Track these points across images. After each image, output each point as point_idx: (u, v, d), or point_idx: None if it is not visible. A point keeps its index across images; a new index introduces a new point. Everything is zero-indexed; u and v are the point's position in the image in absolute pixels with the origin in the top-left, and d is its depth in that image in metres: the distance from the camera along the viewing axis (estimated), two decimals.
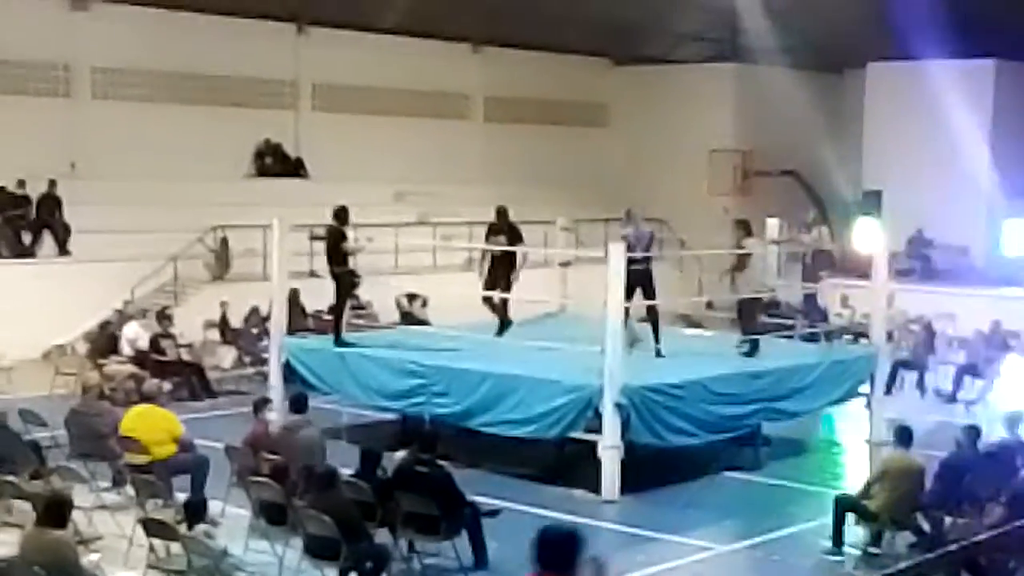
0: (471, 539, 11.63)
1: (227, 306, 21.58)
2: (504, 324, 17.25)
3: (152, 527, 10.69)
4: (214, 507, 12.12)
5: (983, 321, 21.64)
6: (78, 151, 24.72)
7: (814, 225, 19.08)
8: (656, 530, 13.04)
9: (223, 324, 21.52)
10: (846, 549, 12.26)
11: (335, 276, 16.52)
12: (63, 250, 23.23)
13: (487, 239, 17.50)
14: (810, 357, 16.95)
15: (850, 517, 12.31)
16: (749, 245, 16.79)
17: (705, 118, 31.86)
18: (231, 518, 12.37)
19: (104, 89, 25.53)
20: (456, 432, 15.02)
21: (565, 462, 14.94)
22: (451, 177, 29.29)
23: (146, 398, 13.80)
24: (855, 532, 12.40)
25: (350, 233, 16.51)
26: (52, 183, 23.35)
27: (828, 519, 12.43)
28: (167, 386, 17.52)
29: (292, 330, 17.99)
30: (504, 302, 17.19)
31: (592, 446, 13.99)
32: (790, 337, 18.38)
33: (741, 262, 16.78)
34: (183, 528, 10.62)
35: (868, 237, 24.65)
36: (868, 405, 17.39)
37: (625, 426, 13.90)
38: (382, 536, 11.26)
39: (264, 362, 18.64)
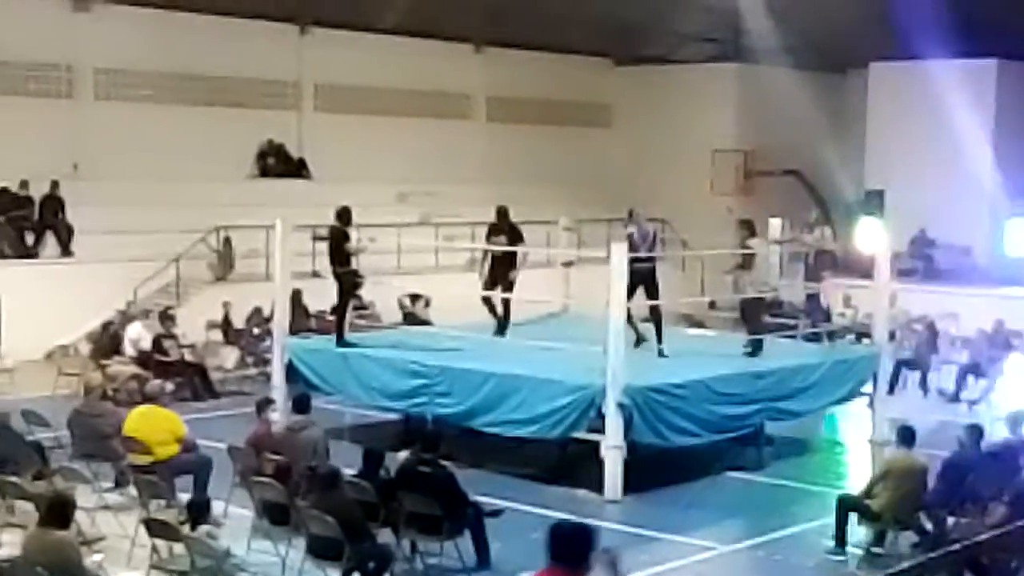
0: (474, 539, 11.63)
1: (230, 306, 21.59)
2: (500, 325, 17.23)
3: (155, 527, 10.69)
4: (217, 507, 12.15)
5: (986, 321, 21.63)
6: (81, 152, 24.73)
7: (817, 225, 19.11)
8: (659, 530, 13.03)
9: (226, 324, 21.53)
10: (849, 549, 12.26)
11: (337, 276, 16.54)
12: (66, 251, 23.24)
13: (488, 239, 17.51)
14: (813, 357, 16.96)
15: (853, 517, 12.31)
16: (754, 245, 16.78)
17: (708, 118, 31.84)
18: (234, 518, 12.39)
19: (107, 90, 25.54)
20: (459, 432, 15.02)
21: (568, 462, 14.94)
22: (453, 177, 29.29)
23: (149, 398, 13.80)
24: (858, 532, 12.40)
25: (353, 233, 16.50)
26: (55, 184, 23.37)
27: (831, 519, 12.43)
28: (170, 386, 17.53)
29: (295, 330, 18.01)
30: (506, 302, 17.19)
31: (595, 446, 14.00)
32: (793, 337, 18.38)
33: (747, 262, 16.77)
34: (186, 528, 10.62)
35: (871, 237, 24.66)
36: (871, 405, 17.39)
37: (628, 426, 13.90)
38: (385, 536, 11.27)
39: (267, 362, 18.65)
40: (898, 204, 28.53)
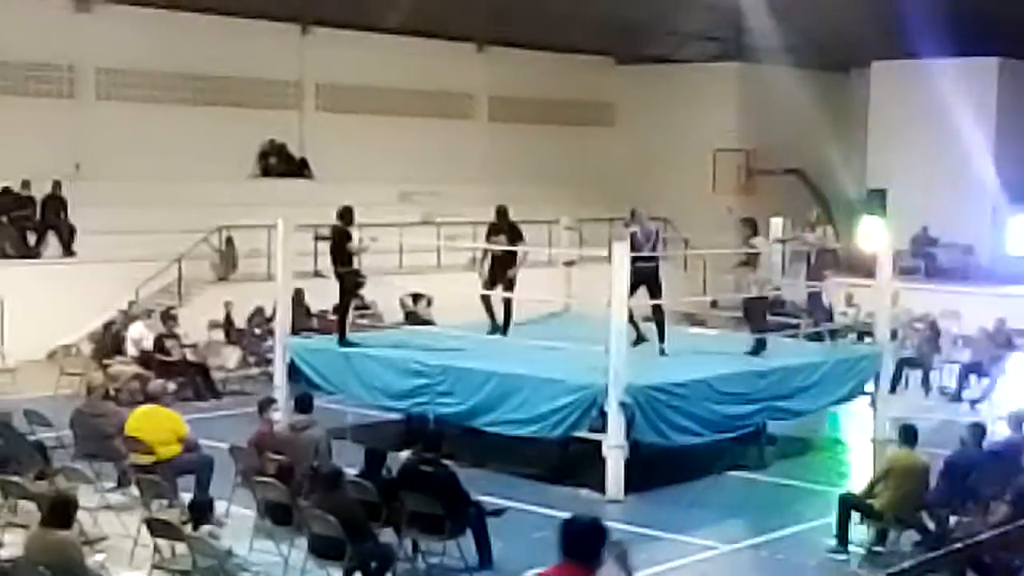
0: (476, 538, 11.64)
1: (231, 306, 21.59)
2: (495, 326, 17.21)
3: (157, 527, 10.70)
4: (219, 507, 12.18)
5: (988, 319, 21.60)
6: (82, 152, 24.75)
7: (818, 224, 19.11)
8: (661, 529, 13.03)
9: (227, 324, 21.54)
10: (851, 548, 12.25)
11: (339, 276, 16.55)
12: (68, 251, 23.25)
13: (487, 239, 17.51)
14: (815, 356, 16.96)
15: (855, 516, 12.31)
16: (757, 243, 16.76)
17: (709, 117, 31.83)
18: (236, 518, 12.40)
19: (108, 90, 25.54)
20: (460, 431, 15.03)
21: (569, 461, 14.93)
22: (455, 177, 29.29)
23: (151, 398, 13.81)
24: (860, 531, 12.39)
25: (354, 233, 16.51)
26: (57, 184, 23.37)
27: (833, 518, 12.43)
28: (172, 386, 17.54)
29: (296, 330, 18.03)
30: (507, 301, 17.19)
31: (597, 445, 14.00)
32: (795, 336, 18.37)
33: (751, 260, 16.75)
34: (188, 528, 10.63)
35: (872, 235, 24.66)
36: (873, 404, 17.38)
37: (629, 425, 13.90)
38: (387, 536, 11.27)
39: (268, 362, 18.64)
40: (900, 202, 28.53)
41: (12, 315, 20.76)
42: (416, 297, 22.75)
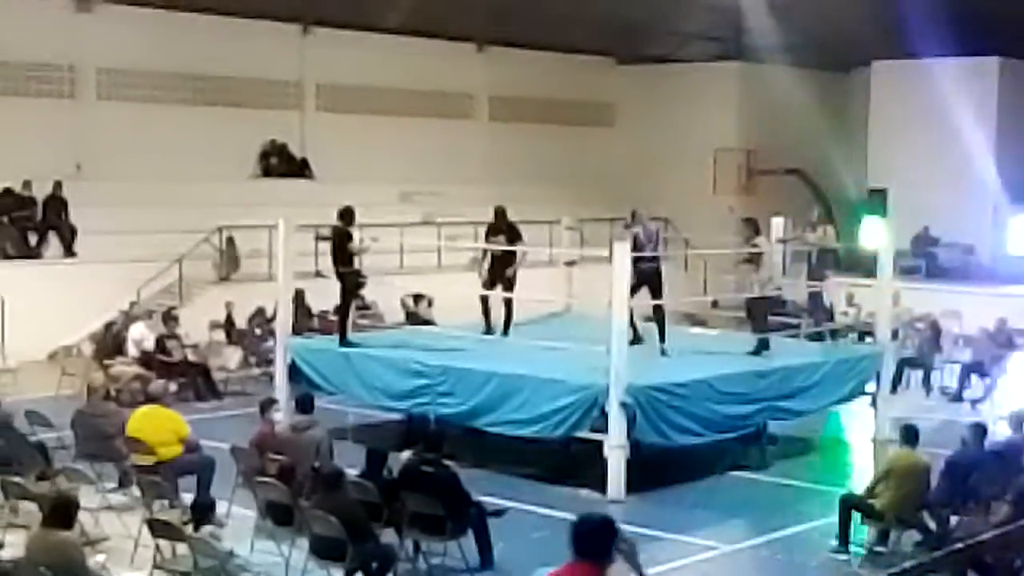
0: (477, 539, 11.63)
1: (232, 307, 21.59)
2: (490, 328, 17.21)
3: (158, 528, 10.70)
4: (220, 508, 12.18)
5: (989, 319, 21.60)
6: (83, 152, 24.76)
7: (819, 224, 19.11)
8: (662, 529, 13.01)
9: (228, 325, 21.54)
10: (852, 548, 12.24)
11: (340, 276, 16.55)
12: (69, 251, 23.26)
13: (487, 239, 17.52)
14: (815, 356, 16.96)
15: (856, 516, 12.30)
16: (760, 243, 16.76)
17: (710, 117, 31.85)
18: (237, 519, 12.40)
19: (109, 90, 25.56)
20: (461, 432, 15.02)
21: (571, 462, 14.93)
22: (456, 177, 29.30)
23: (152, 399, 13.80)
24: (861, 531, 12.39)
25: (355, 233, 16.51)
26: (58, 184, 23.38)
27: (834, 518, 12.42)
28: (173, 387, 17.55)
29: (297, 330, 18.03)
30: (508, 301, 17.19)
31: (598, 446, 13.99)
32: (796, 336, 18.37)
33: (754, 260, 16.74)
34: (189, 529, 10.65)
35: (873, 235, 24.59)
36: (874, 403, 17.38)
37: (631, 425, 13.90)
38: (388, 536, 11.27)
39: (269, 363, 18.65)
40: (901, 202, 28.54)
41: (13, 315, 20.77)
42: (417, 297, 22.75)
